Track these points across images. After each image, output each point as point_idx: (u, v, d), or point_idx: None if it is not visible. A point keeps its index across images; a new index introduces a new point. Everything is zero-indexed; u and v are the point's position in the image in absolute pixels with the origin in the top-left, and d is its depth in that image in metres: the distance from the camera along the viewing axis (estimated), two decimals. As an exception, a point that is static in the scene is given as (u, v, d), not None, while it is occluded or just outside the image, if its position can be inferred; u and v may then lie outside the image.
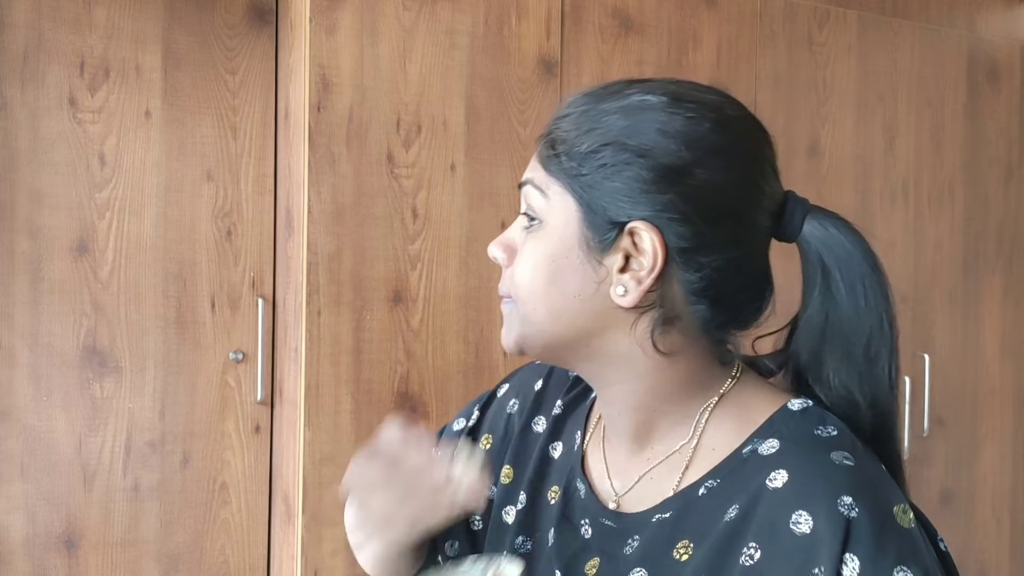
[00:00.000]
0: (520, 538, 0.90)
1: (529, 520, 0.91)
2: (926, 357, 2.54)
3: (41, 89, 1.81)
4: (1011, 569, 2.76)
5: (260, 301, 1.94)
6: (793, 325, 0.84)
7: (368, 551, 0.92)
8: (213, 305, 1.93)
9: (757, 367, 0.87)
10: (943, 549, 0.78)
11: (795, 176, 2.32)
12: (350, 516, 0.95)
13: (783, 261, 0.84)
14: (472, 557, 0.87)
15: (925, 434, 2.55)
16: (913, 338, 2.54)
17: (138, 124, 1.88)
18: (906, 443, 2.50)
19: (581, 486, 0.88)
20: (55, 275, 1.82)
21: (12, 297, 1.79)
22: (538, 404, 0.98)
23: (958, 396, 2.65)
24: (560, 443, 0.94)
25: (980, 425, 2.70)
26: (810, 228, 0.81)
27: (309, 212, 1.80)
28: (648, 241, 0.76)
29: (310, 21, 1.80)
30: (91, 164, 1.84)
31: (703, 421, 0.81)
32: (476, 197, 1.94)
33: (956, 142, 2.63)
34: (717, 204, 0.76)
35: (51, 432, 1.81)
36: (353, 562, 1.92)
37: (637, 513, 0.82)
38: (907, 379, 2.49)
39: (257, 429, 1.96)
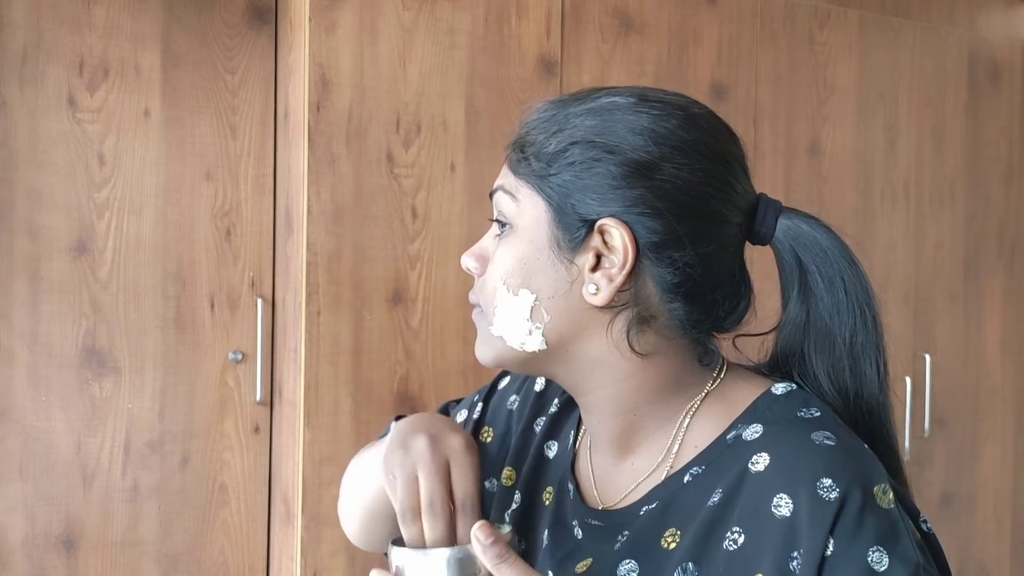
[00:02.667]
0: (515, 538, 0.90)
1: (524, 520, 0.91)
2: (927, 357, 2.53)
3: (40, 89, 1.81)
4: (1012, 570, 2.75)
5: (259, 301, 1.94)
6: (778, 329, 0.84)
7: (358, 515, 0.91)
8: (212, 305, 1.92)
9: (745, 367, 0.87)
10: (926, 530, 0.78)
11: (795, 176, 2.32)
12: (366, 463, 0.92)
13: (770, 267, 0.84)
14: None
15: (926, 435, 2.55)
16: (914, 338, 2.54)
17: (137, 124, 1.87)
18: (907, 444, 2.49)
19: (571, 487, 0.88)
20: (54, 275, 1.81)
21: (11, 297, 1.79)
22: (539, 405, 0.98)
23: (959, 396, 2.64)
24: (555, 442, 0.94)
25: (981, 425, 2.70)
26: (784, 228, 0.81)
27: (309, 212, 1.80)
28: (618, 238, 0.76)
29: (309, 20, 1.80)
30: (90, 164, 1.84)
31: (686, 423, 0.82)
32: (476, 197, 1.94)
33: (957, 142, 2.63)
34: (686, 198, 0.76)
35: (50, 432, 1.81)
36: (352, 562, 1.92)
37: (625, 508, 0.83)
38: (908, 379, 2.49)
39: (256, 429, 1.96)
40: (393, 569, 0.76)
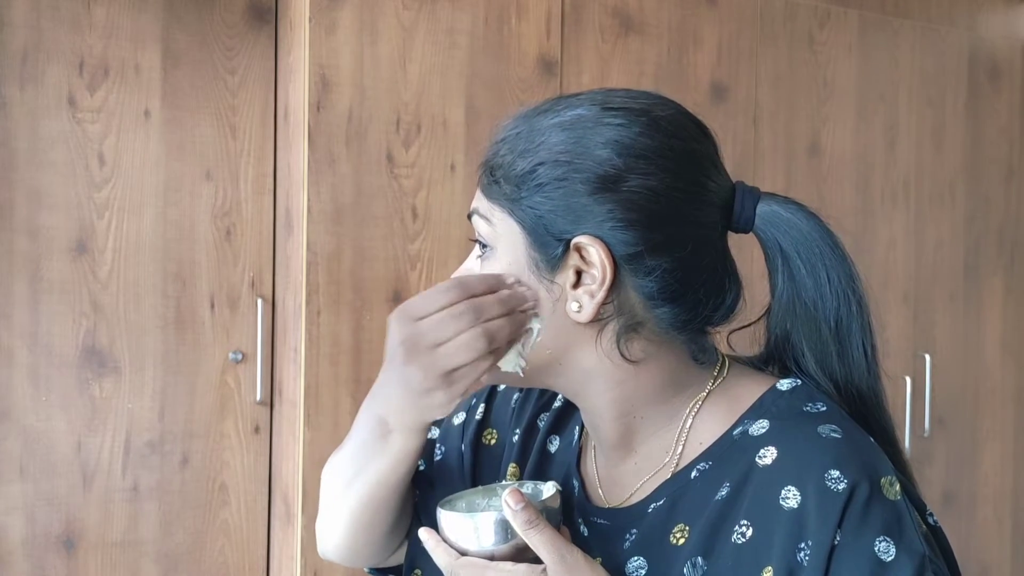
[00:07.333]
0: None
1: None
2: (927, 357, 2.53)
3: (40, 89, 1.80)
4: (1012, 569, 2.75)
5: (260, 301, 1.94)
6: (768, 315, 0.84)
7: (372, 470, 0.87)
8: (212, 305, 1.92)
9: (745, 363, 0.87)
10: (933, 523, 0.78)
11: (795, 176, 2.32)
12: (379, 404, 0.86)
13: (758, 255, 0.84)
14: (514, 483, 0.88)
15: (926, 434, 2.54)
16: (914, 338, 2.54)
17: (137, 124, 1.87)
18: (907, 444, 2.49)
19: (576, 484, 0.88)
20: (54, 275, 1.81)
21: (11, 297, 1.79)
22: (543, 401, 0.97)
23: (959, 396, 2.64)
24: (558, 437, 0.94)
25: (981, 425, 2.70)
26: (763, 215, 0.81)
27: (309, 212, 1.80)
28: (595, 254, 0.76)
29: (310, 20, 1.80)
30: (90, 164, 1.84)
31: (690, 421, 0.82)
32: (476, 197, 1.94)
33: (957, 142, 2.63)
34: (656, 206, 0.76)
35: (50, 432, 1.81)
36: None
37: (632, 506, 0.83)
38: (908, 379, 2.49)
39: (256, 429, 1.96)
40: (440, 530, 0.78)
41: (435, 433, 1.02)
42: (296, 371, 1.83)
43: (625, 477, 0.84)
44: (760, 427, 0.78)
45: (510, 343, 0.78)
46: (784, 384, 0.81)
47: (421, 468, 0.99)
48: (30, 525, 1.79)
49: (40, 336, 1.81)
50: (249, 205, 1.96)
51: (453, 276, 0.84)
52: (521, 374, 0.80)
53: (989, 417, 2.71)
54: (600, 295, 0.76)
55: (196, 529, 1.91)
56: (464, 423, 1.01)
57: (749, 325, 0.86)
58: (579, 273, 0.77)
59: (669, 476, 0.81)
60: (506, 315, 0.76)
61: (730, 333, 0.85)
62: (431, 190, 1.90)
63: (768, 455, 0.75)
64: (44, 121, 1.81)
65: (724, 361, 0.84)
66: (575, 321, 0.78)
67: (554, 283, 0.78)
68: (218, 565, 1.93)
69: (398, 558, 0.99)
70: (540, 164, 0.77)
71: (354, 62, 1.84)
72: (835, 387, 0.82)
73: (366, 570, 1.03)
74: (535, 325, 0.79)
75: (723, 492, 0.76)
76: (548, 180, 0.76)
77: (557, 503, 0.78)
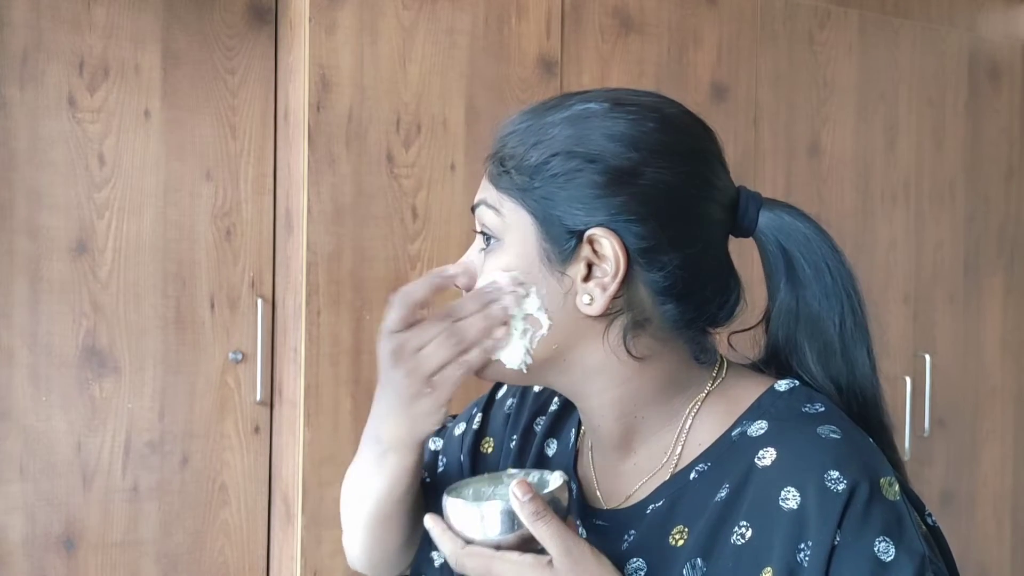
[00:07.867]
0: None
1: None
2: (927, 357, 2.53)
3: (40, 89, 1.80)
4: (1012, 570, 2.75)
5: (259, 301, 1.94)
6: (767, 319, 0.84)
7: (378, 478, 0.87)
8: (212, 305, 1.92)
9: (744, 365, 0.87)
10: (931, 524, 0.79)
11: (795, 176, 2.32)
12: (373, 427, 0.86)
13: (758, 259, 0.84)
14: (519, 470, 0.88)
15: (926, 434, 2.55)
16: (914, 338, 2.54)
17: (137, 124, 1.87)
18: (907, 444, 2.49)
19: (573, 486, 0.88)
20: (54, 275, 1.81)
21: (11, 297, 1.79)
22: (539, 404, 0.98)
23: (959, 396, 2.64)
24: (555, 440, 0.94)
25: (981, 425, 2.70)
26: (766, 219, 0.81)
27: (309, 212, 1.80)
28: (608, 247, 0.76)
29: (309, 21, 1.80)
30: (90, 164, 1.84)
31: (689, 421, 0.82)
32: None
33: (957, 142, 2.63)
34: (670, 201, 0.76)
35: (50, 432, 1.81)
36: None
37: (631, 507, 0.83)
38: (908, 379, 2.49)
39: (256, 429, 1.96)
40: (445, 518, 0.78)
41: (439, 444, 1.03)
42: (296, 371, 1.83)
43: (623, 478, 0.85)
44: (759, 428, 0.78)
45: (492, 339, 0.78)
46: (782, 385, 0.81)
47: (427, 480, 0.99)
48: (30, 525, 1.79)
49: (40, 336, 1.81)
50: (249, 205, 1.96)
51: (435, 272, 0.83)
52: (525, 370, 0.80)
53: (989, 417, 2.71)
54: (612, 288, 0.76)
55: (196, 529, 1.91)
56: (463, 433, 1.01)
57: (750, 329, 0.86)
58: (590, 266, 0.77)
59: (668, 477, 0.81)
60: (479, 311, 0.78)
61: (730, 335, 0.85)
62: (431, 190, 1.90)
63: (767, 456, 0.75)
64: (44, 121, 1.81)
65: (722, 362, 0.84)
66: (584, 315, 0.77)
67: (565, 275, 0.77)
68: (218, 565, 1.93)
69: None
70: (554, 155, 0.77)
71: (354, 62, 1.84)
72: (836, 387, 0.82)
73: None
74: (541, 315, 0.78)
75: (722, 493, 0.76)
76: (562, 171, 0.76)
77: (564, 494, 0.78)
